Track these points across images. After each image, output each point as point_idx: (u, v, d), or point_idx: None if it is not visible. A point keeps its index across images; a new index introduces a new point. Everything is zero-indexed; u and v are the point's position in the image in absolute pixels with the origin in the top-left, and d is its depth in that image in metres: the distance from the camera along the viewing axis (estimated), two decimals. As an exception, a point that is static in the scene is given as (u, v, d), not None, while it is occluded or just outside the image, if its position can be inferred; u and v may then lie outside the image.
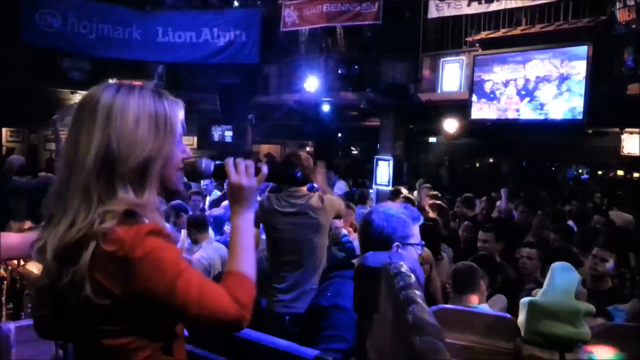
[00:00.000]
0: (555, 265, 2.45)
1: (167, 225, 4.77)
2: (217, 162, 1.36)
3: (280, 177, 1.49)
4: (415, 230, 2.00)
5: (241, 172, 1.33)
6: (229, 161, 1.35)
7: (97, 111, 1.17)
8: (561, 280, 2.34)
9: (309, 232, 3.55)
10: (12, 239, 1.87)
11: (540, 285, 2.54)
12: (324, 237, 3.66)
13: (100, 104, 1.17)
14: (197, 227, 4.51)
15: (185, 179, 5.88)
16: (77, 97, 12.36)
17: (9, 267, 3.29)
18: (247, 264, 1.29)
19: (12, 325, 2.23)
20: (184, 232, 4.49)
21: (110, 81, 1.24)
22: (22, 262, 3.20)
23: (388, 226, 1.96)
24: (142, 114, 1.19)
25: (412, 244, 1.98)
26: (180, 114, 1.27)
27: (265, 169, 1.36)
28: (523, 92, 9.71)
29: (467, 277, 3.07)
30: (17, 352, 2.26)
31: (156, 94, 1.24)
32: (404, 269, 1.46)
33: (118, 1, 12.99)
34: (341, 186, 10.08)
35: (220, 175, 1.36)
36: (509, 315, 2.50)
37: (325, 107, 12.46)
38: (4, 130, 13.78)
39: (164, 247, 1.15)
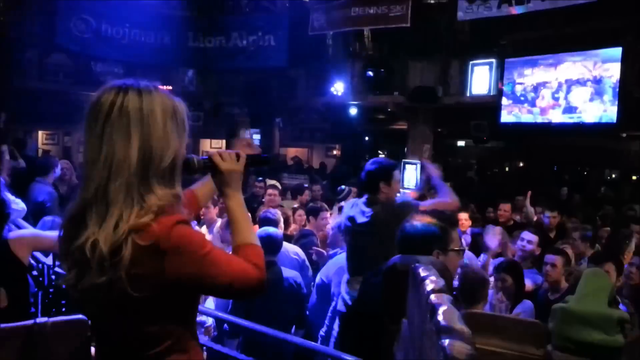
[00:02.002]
0: (587, 271, 2.40)
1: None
2: (204, 157, 1.49)
3: (255, 161, 1.62)
4: (455, 235, 2.00)
5: (227, 159, 1.46)
6: (214, 152, 1.49)
7: (128, 115, 1.22)
8: (593, 287, 2.30)
9: None
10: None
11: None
12: None
13: (130, 107, 1.23)
14: None
15: None
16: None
17: (45, 265, 3.38)
18: (251, 235, 1.44)
19: (48, 321, 2.29)
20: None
21: (115, 82, 1.28)
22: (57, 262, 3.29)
23: (426, 233, 1.98)
24: (166, 112, 1.27)
25: (453, 250, 1.98)
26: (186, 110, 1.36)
27: (243, 155, 1.51)
28: (555, 95, 9.55)
29: (479, 288, 2.93)
30: (52, 348, 2.32)
31: (169, 93, 1.31)
32: (432, 272, 1.46)
33: (150, 7, 13.25)
34: None
35: (209, 167, 1.48)
36: (539, 322, 2.45)
37: (353, 110, 12.46)
38: (40, 132, 14.17)
39: (191, 233, 1.26)
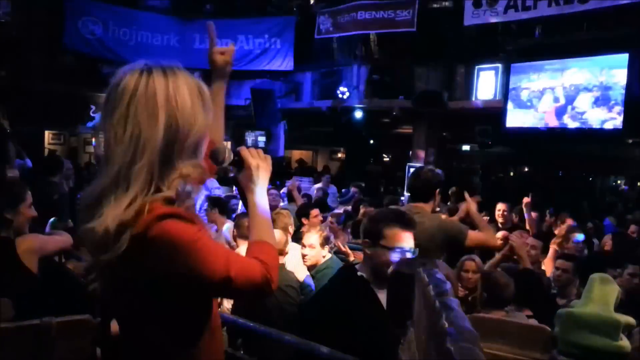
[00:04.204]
0: (594, 276, 2.39)
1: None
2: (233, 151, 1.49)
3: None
4: (392, 233, 2.09)
5: (255, 155, 1.47)
6: (243, 148, 1.48)
7: (154, 95, 1.19)
8: (599, 292, 2.29)
9: None
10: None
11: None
12: None
13: (157, 87, 1.20)
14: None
15: None
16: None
17: (51, 265, 3.38)
18: (266, 233, 1.39)
19: (54, 320, 2.30)
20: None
21: (136, 63, 1.25)
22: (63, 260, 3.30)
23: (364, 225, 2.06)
24: (192, 90, 1.25)
25: (382, 246, 2.08)
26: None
27: (269, 157, 1.51)
28: (561, 101, 9.53)
29: (505, 292, 2.92)
30: (58, 347, 2.33)
31: (189, 73, 1.29)
32: (439, 275, 1.46)
33: (157, 9, 13.33)
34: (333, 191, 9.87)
35: (237, 161, 1.48)
36: (544, 326, 2.45)
37: (358, 114, 12.48)
38: (46, 133, 14.25)
39: (178, 226, 1.16)
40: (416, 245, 2.89)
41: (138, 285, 1.18)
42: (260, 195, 1.44)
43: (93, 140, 14.49)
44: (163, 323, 1.22)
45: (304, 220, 5.58)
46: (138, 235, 1.13)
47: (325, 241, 3.86)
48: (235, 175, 1.50)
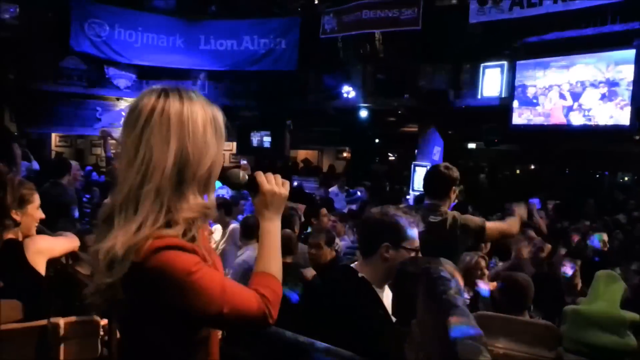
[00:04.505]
0: (600, 273, 2.38)
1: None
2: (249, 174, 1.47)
3: (297, 195, 1.64)
4: (413, 234, 2.08)
5: (271, 182, 1.43)
6: (259, 172, 1.45)
7: (168, 120, 1.20)
8: (606, 289, 2.28)
9: None
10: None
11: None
12: None
13: (171, 112, 1.20)
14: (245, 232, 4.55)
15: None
16: (122, 103, 12.80)
17: (58, 266, 3.40)
18: (274, 265, 1.36)
19: (61, 321, 2.31)
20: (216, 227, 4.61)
21: (155, 86, 1.28)
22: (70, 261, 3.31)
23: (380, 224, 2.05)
24: (206, 119, 1.24)
25: (404, 248, 2.04)
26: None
27: (287, 182, 1.47)
28: (567, 98, 9.48)
29: (527, 295, 2.85)
30: (64, 348, 2.34)
31: (207, 100, 1.29)
32: (444, 273, 1.46)
33: (162, 11, 13.38)
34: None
35: (252, 185, 1.44)
36: (551, 324, 2.43)
37: (363, 113, 12.47)
38: (53, 135, 14.33)
39: (176, 258, 1.16)
40: (436, 244, 2.86)
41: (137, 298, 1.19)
42: (272, 223, 1.42)
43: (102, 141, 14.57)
44: (163, 324, 1.22)
45: (313, 221, 5.60)
46: (137, 264, 1.13)
47: (331, 241, 3.87)
48: (251, 198, 1.47)
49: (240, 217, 6.01)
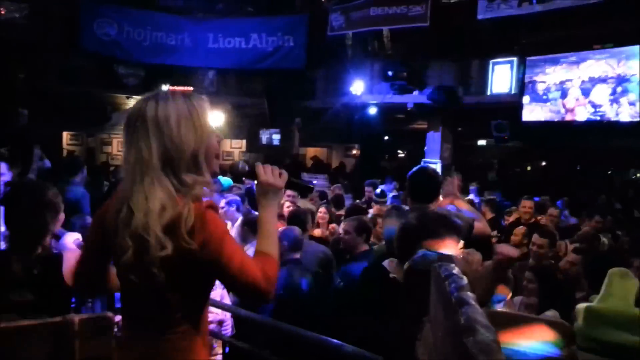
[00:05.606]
0: (613, 271, 2.36)
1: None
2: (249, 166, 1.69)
3: (296, 186, 1.81)
4: None
5: (267, 173, 1.62)
6: (259, 164, 1.65)
7: (146, 122, 1.43)
8: (620, 287, 2.26)
9: None
10: None
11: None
12: None
13: (148, 116, 1.43)
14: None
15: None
16: (132, 101, 12.85)
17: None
18: (273, 247, 1.56)
19: (75, 318, 2.33)
20: None
21: (164, 87, 1.41)
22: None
23: None
24: (181, 117, 1.44)
25: None
26: (208, 108, 1.53)
27: (285, 173, 1.65)
28: (577, 94, 9.41)
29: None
30: (79, 345, 2.36)
31: (186, 98, 1.49)
32: (455, 270, 1.46)
33: (171, 9, 13.41)
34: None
35: (252, 174, 1.63)
36: (563, 321, 2.42)
37: (372, 110, 12.44)
38: (64, 134, 14.43)
39: (217, 218, 1.46)
40: None
41: (171, 262, 1.38)
42: (269, 211, 1.61)
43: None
44: (184, 291, 1.43)
45: None
46: (191, 227, 1.37)
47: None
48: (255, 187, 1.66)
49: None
